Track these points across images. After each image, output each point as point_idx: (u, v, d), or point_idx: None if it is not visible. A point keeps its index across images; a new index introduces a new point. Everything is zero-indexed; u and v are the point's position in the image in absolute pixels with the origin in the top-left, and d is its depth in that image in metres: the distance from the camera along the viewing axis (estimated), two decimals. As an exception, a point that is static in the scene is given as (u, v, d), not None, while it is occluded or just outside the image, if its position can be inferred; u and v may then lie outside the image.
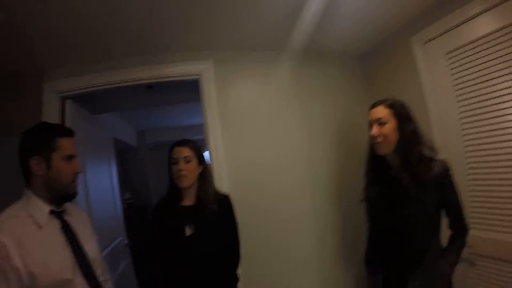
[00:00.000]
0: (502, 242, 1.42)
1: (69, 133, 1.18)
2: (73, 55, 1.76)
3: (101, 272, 1.20)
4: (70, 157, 1.14)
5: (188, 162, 1.44)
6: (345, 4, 1.54)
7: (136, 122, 4.86)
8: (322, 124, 2.09)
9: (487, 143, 1.46)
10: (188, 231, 1.43)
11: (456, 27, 1.53)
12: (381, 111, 1.31)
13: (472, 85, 1.49)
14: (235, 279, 1.54)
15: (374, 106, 1.36)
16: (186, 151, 1.45)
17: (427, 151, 1.28)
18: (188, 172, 1.44)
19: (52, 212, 1.10)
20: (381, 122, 1.29)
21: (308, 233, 1.98)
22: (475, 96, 1.48)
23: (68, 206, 1.20)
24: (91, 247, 1.19)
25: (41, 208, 1.07)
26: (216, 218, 1.47)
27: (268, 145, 1.99)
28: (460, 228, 1.27)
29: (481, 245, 1.50)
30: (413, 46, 1.79)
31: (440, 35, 1.63)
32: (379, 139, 1.30)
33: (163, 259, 1.50)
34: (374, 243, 1.50)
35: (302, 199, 2.00)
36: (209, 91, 1.93)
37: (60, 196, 1.13)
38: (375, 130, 1.30)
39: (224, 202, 1.55)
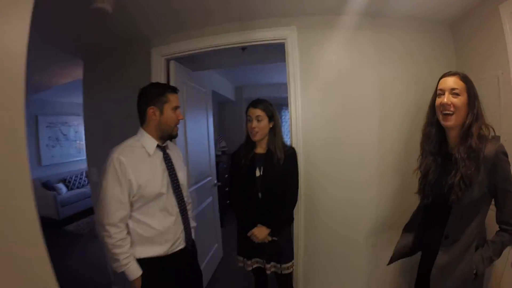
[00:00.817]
0: None
1: (175, 90, 1.55)
2: (176, 23, 2.06)
3: (186, 194, 1.63)
4: (176, 108, 1.51)
5: (259, 120, 1.74)
6: None
7: (234, 79, 5.33)
8: (397, 88, 2.00)
9: None
10: (257, 173, 1.81)
11: None
12: (457, 82, 1.23)
13: None
14: (291, 217, 1.94)
15: (447, 75, 1.27)
16: (258, 111, 1.74)
17: (486, 131, 1.24)
18: (259, 129, 1.75)
19: (158, 146, 1.50)
20: (455, 93, 1.23)
21: (369, 189, 2.06)
22: None
23: (169, 143, 1.62)
24: (181, 175, 1.60)
25: (151, 142, 1.48)
26: (281, 165, 1.78)
27: (342, 105, 2.05)
28: (504, 223, 1.22)
29: None
30: (502, 15, 1.57)
31: None
32: (451, 109, 1.23)
33: (240, 192, 1.88)
34: (417, 214, 1.51)
35: (368, 157, 2.05)
36: (293, 53, 2.04)
37: (165, 136, 1.53)
38: (448, 98, 1.24)
39: (290, 153, 1.84)
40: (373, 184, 2.05)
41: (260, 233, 1.74)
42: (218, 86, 4.62)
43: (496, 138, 1.26)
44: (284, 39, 2.04)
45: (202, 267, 1.97)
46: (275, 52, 2.26)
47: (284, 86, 2.14)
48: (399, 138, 1.98)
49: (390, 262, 1.57)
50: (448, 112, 1.24)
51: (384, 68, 2.01)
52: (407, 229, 1.54)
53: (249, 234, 1.76)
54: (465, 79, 1.24)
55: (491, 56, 1.72)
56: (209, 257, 2.90)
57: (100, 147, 1.90)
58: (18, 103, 0.72)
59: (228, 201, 4.50)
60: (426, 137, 1.41)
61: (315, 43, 2.03)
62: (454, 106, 1.23)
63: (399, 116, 1.99)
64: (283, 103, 2.09)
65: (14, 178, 0.71)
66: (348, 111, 2.04)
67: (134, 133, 1.52)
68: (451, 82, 1.24)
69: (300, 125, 2.07)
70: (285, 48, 2.06)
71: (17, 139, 0.72)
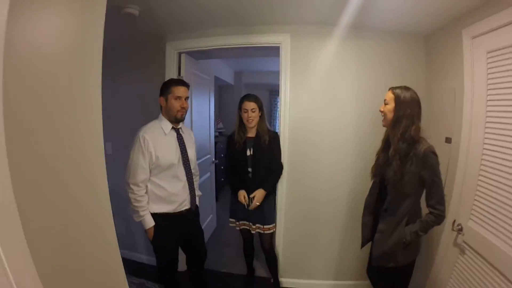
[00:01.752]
0: (497, 248, 1.43)
1: (180, 83, 1.93)
2: (188, 23, 2.39)
3: (193, 167, 2.08)
4: (177, 97, 1.89)
5: (253, 111, 2.19)
6: None
7: (235, 65, 5.65)
8: (372, 93, 2.34)
9: (506, 147, 1.45)
10: (248, 152, 2.29)
11: (500, 27, 1.49)
12: (388, 94, 1.64)
13: (504, 88, 1.48)
14: (274, 188, 2.46)
15: (389, 89, 1.66)
16: (252, 105, 2.20)
17: (415, 134, 1.55)
18: (253, 118, 2.21)
19: (172, 128, 1.93)
20: (385, 102, 1.65)
21: (344, 169, 2.49)
22: (504, 99, 1.48)
23: (183, 127, 2.04)
24: (191, 152, 2.04)
25: (167, 124, 1.92)
26: (267, 145, 2.27)
27: (324, 98, 2.45)
28: (432, 208, 1.53)
29: (477, 241, 1.59)
30: (463, 38, 1.81)
31: (485, 33, 1.60)
32: (382, 115, 1.66)
33: (234, 168, 2.35)
34: (371, 190, 1.88)
35: (344, 143, 2.47)
36: (286, 56, 2.42)
37: (172, 119, 1.93)
38: (381, 107, 1.67)
39: (274, 137, 2.34)
40: (347, 165, 2.47)
41: (260, 193, 2.22)
42: (219, 71, 4.93)
43: (424, 140, 1.57)
44: (279, 43, 2.41)
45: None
46: (272, 49, 2.61)
47: (278, 73, 2.50)
48: (372, 130, 2.31)
49: (363, 245, 1.86)
50: (382, 116, 1.67)
51: (362, 73, 2.38)
52: (366, 204, 1.89)
53: (252, 195, 2.23)
54: (395, 90, 1.61)
55: (452, 71, 1.98)
56: (204, 226, 3.32)
57: (116, 125, 2.34)
58: (96, 91, 1.13)
59: (222, 179, 4.98)
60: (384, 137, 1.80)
61: (305, 47, 2.40)
62: (384, 111, 1.65)
63: (373, 112, 2.22)
64: (277, 89, 2.49)
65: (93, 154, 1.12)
66: (330, 102, 2.44)
67: (145, 113, 2.02)
68: (386, 95, 1.65)
69: (288, 112, 2.48)
70: (280, 51, 2.43)
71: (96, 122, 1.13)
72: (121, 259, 1.26)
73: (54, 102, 0.93)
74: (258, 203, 2.21)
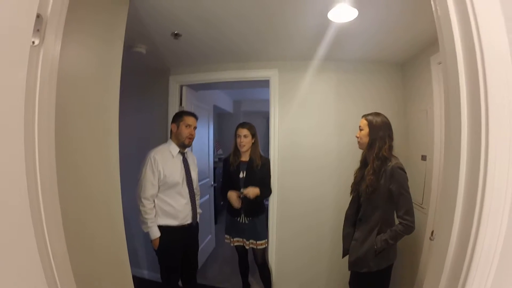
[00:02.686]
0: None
1: (191, 114, 2.26)
2: (188, 59, 2.76)
3: (195, 187, 2.33)
4: (188, 126, 2.19)
5: (246, 137, 2.45)
6: (374, 23, 1.90)
7: (233, 94, 6.01)
8: (352, 121, 2.52)
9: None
10: (241, 175, 2.51)
11: None
12: (362, 121, 1.89)
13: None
14: (264, 207, 2.62)
15: (362, 117, 1.91)
16: (245, 131, 2.46)
17: (387, 153, 1.77)
18: (245, 143, 2.45)
19: (179, 152, 2.21)
20: (360, 129, 1.89)
21: (329, 186, 2.72)
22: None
23: (188, 152, 2.32)
24: (194, 174, 2.31)
25: (175, 148, 2.21)
26: (259, 169, 2.49)
27: (308, 124, 2.74)
28: (401, 219, 1.69)
29: None
30: (431, 64, 2.06)
31: None
32: (358, 140, 1.90)
33: (228, 189, 2.52)
34: (351, 203, 2.04)
35: (328, 162, 2.72)
36: (275, 88, 2.76)
37: (181, 144, 2.22)
38: (357, 133, 1.91)
39: (265, 162, 2.58)
40: (332, 182, 2.70)
41: (253, 190, 2.40)
42: (219, 100, 5.25)
43: (395, 157, 1.78)
44: (269, 78, 2.76)
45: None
46: (263, 82, 2.92)
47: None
48: (351, 151, 2.49)
49: (344, 255, 1.98)
50: (358, 141, 1.91)
51: (341, 103, 2.70)
52: (346, 216, 2.06)
53: (245, 192, 2.39)
54: (367, 117, 1.85)
55: (424, 93, 2.21)
56: (203, 245, 3.49)
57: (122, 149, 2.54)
58: (114, 106, 1.39)
59: (222, 202, 5.16)
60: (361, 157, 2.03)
61: (291, 80, 2.74)
62: (359, 137, 1.89)
63: (352, 136, 2.41)
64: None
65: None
66: (314, 128, 2.73)
67: (149, 139, 2.42)
68: (360, 122, 1.91)
69: (277, 137, 2.77)
70: (269, 84, 2.77)
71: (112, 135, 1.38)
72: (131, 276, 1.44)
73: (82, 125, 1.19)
74: (251, 194, 2.39)
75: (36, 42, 0.78)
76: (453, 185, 0.78)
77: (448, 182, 0.82)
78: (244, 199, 2.45)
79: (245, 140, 2.46)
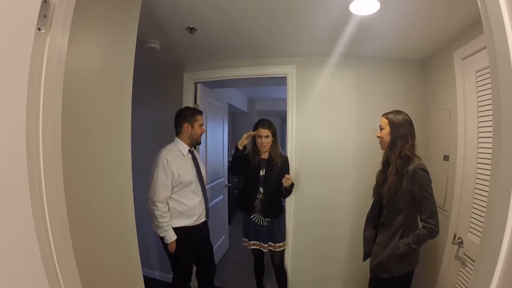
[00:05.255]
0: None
1: (200, 112, 2.20)
2: (204, 56, 2.68)
3: (205, 183, 2.27)
4: (201, 125, 2.16)
5: (267, 137, 2.36)
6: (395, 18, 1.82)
7: (248, 93, 5.96)
8: (372, 118, 2.45)
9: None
10: (261, 173, 2.44)
11: (485, 47, 1.56)
12: (383, 120, 1.79)
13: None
14: (282, 206, 2.57)
15: (382, 116, 1.81)
16: (266, 132, 2.37)
17: (410, 152, 1.68)
18: (267, 144, 2.38)
19: (189, 150, 2.16)
20: (381, 128, 1.79)
21: (347, 184, 2.63)
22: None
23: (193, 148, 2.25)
24: (203, 170, 2.25)
25: (184, 147, 2.14)
26: (278, 167, 2.41)
27: (326, 121, 2.64)
28: (424, 222, 1.60)
29: (476, 252, 1.61)
30: (454, 60, 1.96)
31: (473, 54, 1.75)
32: (379, 140, 1.81)
33: (247, 191, 2.49)
34: (372, 206, 1.95)
35: (346, 160, 2.62)
36: (292, 85, 2.65)
37: (194, 143, 2.19)
38: (378, 133, 1.81)
39: (284, 160, 2.49)
40: (349, 184, 2.60)
41: (289, 177, 2.34)
42: (233, 99, 5.23)
43: (418, 157, 1.70)
44: (286, 74, 2.65)
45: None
46: (280, 79, 2.83)
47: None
48: (370, 152, 2.44)
49: (365, 258, 1.91)
50: (379, 141, 1.81)
51: (362, 100, 2.57)
52: (367, 219, 1.97)
53: (287, 176, 2.33)
54: (388, 115, 1.76)
55: (447, 91, 2.11)
56: (217, 246, 3.42)
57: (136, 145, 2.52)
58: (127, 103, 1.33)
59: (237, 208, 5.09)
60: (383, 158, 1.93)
61: (309, 77, 2.62)
62: (381, 136, 1.79)
63: (371, 135, 2.32)
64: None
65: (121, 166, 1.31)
66: (332, 126, 2.62)
67: (162, 135, 2.29)
68: (380, 121, 1.81)
69: (294, 135, 2.67)
70: (287, 81, 2.66)
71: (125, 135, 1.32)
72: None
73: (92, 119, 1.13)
74: (290, 180, 2.34)
75: (42, 29, 0.71)
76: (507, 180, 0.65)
77: (497, 176, 0.70)
78: (262, 200, 2.37)
79: (266, 141, 2.37)
